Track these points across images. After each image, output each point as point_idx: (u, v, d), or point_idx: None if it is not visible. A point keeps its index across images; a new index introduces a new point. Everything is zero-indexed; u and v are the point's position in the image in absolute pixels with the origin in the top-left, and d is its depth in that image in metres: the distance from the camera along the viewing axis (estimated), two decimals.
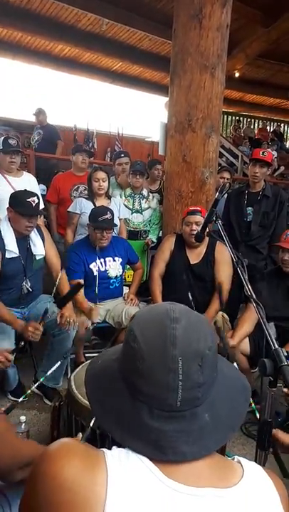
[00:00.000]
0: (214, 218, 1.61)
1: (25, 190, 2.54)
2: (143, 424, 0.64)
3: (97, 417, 0.71)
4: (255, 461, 1.22)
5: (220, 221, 1.61)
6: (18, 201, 2.43)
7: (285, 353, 1.02)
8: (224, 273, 2.76)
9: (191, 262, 2.85)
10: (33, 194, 2.48)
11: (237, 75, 9.94)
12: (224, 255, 2.77)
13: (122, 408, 0.67)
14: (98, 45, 8.55)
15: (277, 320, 2.49)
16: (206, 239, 2.84)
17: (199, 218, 2.73)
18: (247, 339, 2.48)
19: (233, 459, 0.72)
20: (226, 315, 2.85)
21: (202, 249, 2.86)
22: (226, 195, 3.60)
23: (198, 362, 0.64)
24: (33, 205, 2.43)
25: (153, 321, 0.68)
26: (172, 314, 0.68)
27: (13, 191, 2.63)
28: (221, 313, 2.82)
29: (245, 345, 2.48)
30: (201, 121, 3.21)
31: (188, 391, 0.64)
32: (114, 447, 0.66)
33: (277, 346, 1.02)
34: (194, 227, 2.74)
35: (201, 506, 0.60)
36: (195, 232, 2.67)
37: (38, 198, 2.51)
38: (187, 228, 2.79)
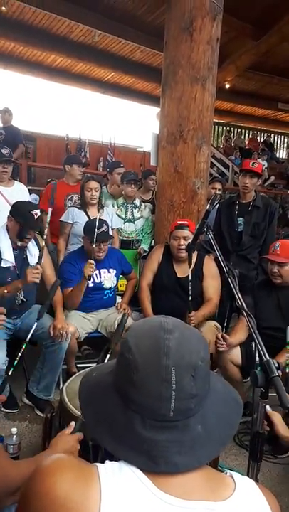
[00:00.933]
0: (205, 229, 1.63)
1: (29, 201, 2.55)
2: (136, 434, 0.65)
3: (90, 428, 0.71)
4: (248, 472, 1.23)
5: (211, 232, 1.62)
6: (21, 212, 2.42)
7: (276, 364, 1.03)
8: (214, 288, 2.77)
9: (178, 276, 2.85)
10: (36, 207, 2.50)
11: (227, 86, 10.06)
12: (212, 270, 2.78)
13: (115, 419, 0.68)
14: (90, 55, 8.63)
15: (268, 330, 2.50)
16: (195, 254, 2.84)
17: (187, 233, 2.69)
18: (239, 350, 2.49)
19: (226, 473, 0.72)
20: (218, 324, 2.86)
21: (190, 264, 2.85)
22: (217, 206, 3.64)
23: (191, 373, 0.65)
24: (35, 217, 2.43)
25: (147, 333, 0.70)
26: (166, 326, 0.69)
27: (9, 201, 2.63)
28: (213, 322, 2.83)
29: (237, 356, 2.48)
30: (192, 132, 3.25)
31: (181, 401, 0.64)
32: (107, 461, 0.66)
33: (268, 357, 1.03)
34: (182, 241, 2.70)
35: None
36: (183, 247, 2.67)
37: (41, 212, 2.52)
38: (175, 243, 2.77)
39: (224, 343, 2.36)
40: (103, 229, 2.78)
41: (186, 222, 2.76)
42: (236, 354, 2.48)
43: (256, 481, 1.08)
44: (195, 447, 0.65)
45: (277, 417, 1.36)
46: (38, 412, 2.64)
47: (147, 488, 0.62)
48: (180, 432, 0.65)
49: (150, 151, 3.75)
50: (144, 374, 0.65)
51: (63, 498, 0.59)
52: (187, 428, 0.65)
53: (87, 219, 3.25)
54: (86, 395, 0.75)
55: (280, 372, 1.03)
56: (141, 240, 3.86)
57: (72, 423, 1.22)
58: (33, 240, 2.57)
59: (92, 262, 2.64)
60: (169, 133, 3.31)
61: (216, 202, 1.63)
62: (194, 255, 2.85)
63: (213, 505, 0.62)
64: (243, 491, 0.67)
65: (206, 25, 3.13)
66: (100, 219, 2.89)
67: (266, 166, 11.71)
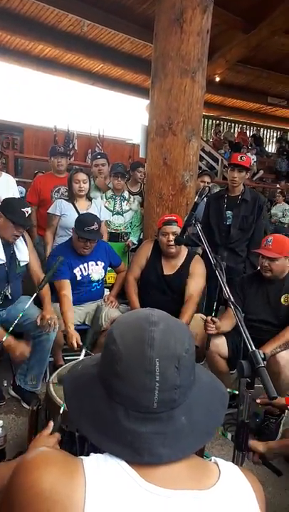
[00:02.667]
0: (193, 222, 1.63)
1: (20, 199, 2.51)
2: (119, 426, 0.65)
3: (75, 420, 0.71)
4: (233, 462, 1.24)
5: (199, 224, 1.62)
6: (12, 208, 2.38)
7: (262, 355, 1.04)
8: (197, 285, 2.77)
9: (165, 273, 2.85)
10: (27, 205, 2.48)
11: (217, 79, 10.06)
12: (199, 269, 2.78)
13: (99, 410, 0.67)
14: (79, 46, 8.53)
15: (256, 322, 2.53)
16: (184, 251, 2.85)
17: (176, 228, 2.68)
18: (225, 342, 2.51)
19: (210, 459, 0.73)
20: (204, 317, 2.87)
21: (178, 260, 2.84)
22: (205, 199, 3.65)
23: (175, 364, 0.65)
24: (26, 215, 2.40)
25: (132, 325, 0.70)
26: (151, 318, 0.69)
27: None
28: (199, 315, 2.84)
29: (224, 348, 2.50)
30: (181, 124, 3.23)
31: (165, 392, 0.65)
32: (92, 453, 0.66)
33: (254, 348, 1.03)
34: (171, 237, 2.69)
35: (178, 508, 0.60)
36: (172, 243, 2.67)
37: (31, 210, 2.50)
38: (164, 238, 2.76)
39: (214, 326, 2.36)
40: (93, 227, 2.75)
41: (174, 218, 2.75)
42: (223, 346, 2.50)
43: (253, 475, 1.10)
44: (179, 438, 0.65)
45: (260, 447, 1.40)
46: (25, 405, 2.63)
47: (132, 478, 0.62)
48: (164, 424, 0.65)
49: (139, 143, 3.73)
50: (128, 365, 0.65)
51: (48, 491, 0.59)
52: (171, 419, 0.66)
53: (75, 211, 3.23)
54: (70, 387, 0.75)
55: (265, 362, 1.05)
56: (129, 232, 3.85)
57: (51, 424, 1.21)
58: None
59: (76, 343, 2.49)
60: (158, 125, 3.29)
61: (204, 194, 1.63)
62: (184, 252, 2.86)
63: (198, 494, 0.63)
64: (227, 477, 0.68)
65: (197, 17, 3.11)
66: (92, 215, 2.87)
67: (255, 160, 11.77)
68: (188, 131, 3.27)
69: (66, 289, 2.73)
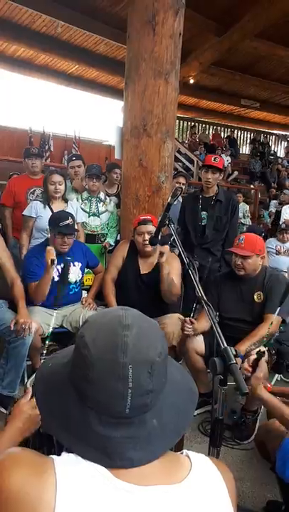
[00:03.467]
0: (167, 222, 1.65)
1: None
2: (91, 431, 0.64)
3: (46, 422, 0.70)
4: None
5: (173, 225, 1.64)
6: None
7: (234, 352, 1.06)
8: (175, 279, 2.79)
9: (142, 272, 2.86)
10: None
11: (192, 81, 10.16)
12: (174, 266, 2.80)
13: (70, 414, 0.67)
14: (53, 47, 8.47)
15: (231, 321, 2.57)
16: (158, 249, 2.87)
17: (151, 228, 2.70)
18: (202, 340, 2.54)
19: (182, 453, 0.74)
20: (182, 317, 2.90)
21: (154, 259, 2.85)
22: (181, 200, 3.68)
23: (148, 369, 0.65)
24: None
25: (104, 328, 0.68)
26: (124, 321, 0.68)
27: None
28: (177, 315, 2.87)
29: (201, 346, 2.53)
30: (156, 126, 3.26)
31: (138, 398, 0.64)
32: (63, 452, 0.66)
33: (226, 345, 1.05)
34: (146, 236, 2.71)
35: (151, 504, 0.61)
36: (147, 242, 2.69)
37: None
38: (139, 238, 2.78)
39: (191, 326, 2.39)
40: (68, 222, 2.75)
41: (149, 217, 2.77)
42: (200, 344, 2.53)
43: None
44: (150, 441, 0.66)
45: (264, 366, 1.39)
46: (2, 409, 2.59)
47: (104, 477, 0.62)
48: (136, 428, 0.65)
49: (115, 145, 3.73)
50: (100, 371, 0.64)
51: (17, 492, 0.58)
52: (143, 423, 0.66)
53: (50, 213, 3.21)
54: (41, 389, 0.73)
55: (239, 359, 1.07)
56: (106, 234, 3.85)
57: (29, 389, 1.16)
58: None
59: (52, 248, 2.63)
60: (133, 126, 3.30)
61: (177, 195, 1.66)
62: (158, 250, 2.87)
63: (168, 488, 0.64)
64: (198, 470, 0.69)
65: (169, 20, 3.14)
66: (65, 211, 2.86)
67: (229, 161, 11.94)
68: (162, 133, 3.29)
69: None
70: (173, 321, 2.75)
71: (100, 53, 9.13)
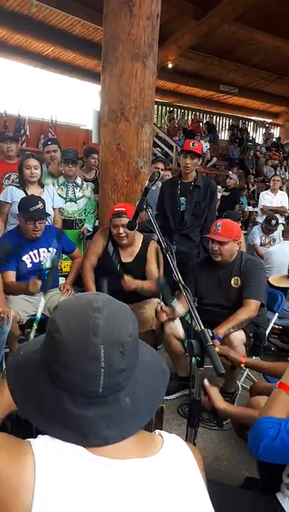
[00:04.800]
0: (145, 207, 1.64)
1: None
2: (65, 412, 0.66)
3: (19, 407, 0.71)
4: (186, 438, 1.29)
5: (150, 209, 1.63)
6: None
7: (211, 334, 1.07)
8: (156, 269, 2.81)
9: (123, 260, 2.85)
10: None
11: (170, 65, 10.07)
12: (155, 254, 2.81)
13: (43, 397, 0.68)
14: (28, 27, 8.24)
15: (209, 306, 2.60)
16: (139, 238, 2.86)
17: (125, 220, 2.65)
18: (180, 324, 2.56)
19: (155, 432, 0.76)
20: (161, 301, 2.92)
21: (135, 247, 2.85)
22: (159, 185, 3.67)
23: (119, 349, 0.67)
24: None
25: (76, 312, 0.70)
26: (95, 304, 0.69)
27: None
28: (156, 300, 2.88)
29: (179, 330, 2.56)
30: (133, 110, 3.21)
31: (111, 377, 0.66)
32: (39, 435, 0.67)
33: (203, 328, 1.06)
34: (121, 230, 2.70)
35: (126, 476, 0.64)
36: (123, 235, 2.69)
37: None
38: (114, 231, 2.76)
39: (163, 314, 2.44)
40: (38, 206, 2.70)
41: (124, 209, 2.72)
42: (178, 328, 2.56)
43: (194, 445, 1.14)
44: (124, 419, 0.68)
45: (214, 391, 1.44)
46: None
47: (81, 454, 0.64)
48: (109, 407, 0.67)
49: (92, 129, 3.68)
50: (72, 353, 0.65)
51: None
52: (116, 402, 0.68)
53: None
54: (14, 374, 0.74)
55: (218, 342, 1.08)
56: (84, 219, 3.80)
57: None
58: None
59: (38, 282, 2.59)
60: (110, 110, 3.25)
61: (154, 179, 1.65)
62: (140, 239, 2.87)
63: (143, 461, 0.67)
64: (169, 445, 0.72)
65: (146, 1, 3.08)
66: (35, 196, 2.81)
67: (208, 147, 11.95)
68: (140, 117, 3.25)
69: (12, 280, 2.71)
70: (152, 306, 2.76)
71: (77, 35, 8.92)
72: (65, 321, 0.68)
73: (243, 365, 1.98)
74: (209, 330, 1.07)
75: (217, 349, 1.59)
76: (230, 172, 8.83)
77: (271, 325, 2.87)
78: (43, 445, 0.64)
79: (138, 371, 0.72)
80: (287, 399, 1.08)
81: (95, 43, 8.78)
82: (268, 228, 5.03)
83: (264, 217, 6.23)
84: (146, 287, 2.73)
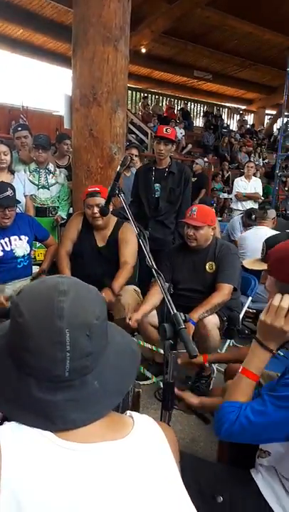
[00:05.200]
0: (117, 192, 1.62)
1: None
2: (31, 397, 0.65)
3: None
4: (160, 420, 1.31)
5: (123, 194, 1.62)
6: None
7: (183, 317, 1.08)
8: (129, 252, 2.75)
9: (99, 245, 2.83)
10: None
11: (144, 50, 9.95)
12: (127, 234, 2.77)
13: (9, 383, 0.67)
14: None
15: (185, 291, 2.62)
16: (113, 221, 2.83)
17: (100, 200, 2.63)
18: (155, 311, 2.57)
19: (126, 414, 0.76)
20: (137, 288, 2.92)
21: (108, 231, 2.82)
22: (134, 171, 3.65)
23: (86, 332, 0.66)
24: None
25: (40, 295, 0.68)
26: (61, 287, 0.68)
27: None
28: (132, 287, 2.88)
29: (154, 317, 2.57)
30: (106, 95, 3.16)
31: (77, 361, 0.65)
32: (5, 421, 0.66)
33: (175, 311, 1.07)
34: (95, 209, 2.65)
35: (96, 460, 0.63)
36: (97, 215, 2.64)
37: None
38: (89, 211, 2.71)
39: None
40: (8, 193, 2.63)
41: (98, 189, 2.70)
42: (153, 315, 2.57)
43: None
44: (92, 402, 0.67)
45: (185, 394, 1.49)
46: None
47: (48, 439, 0.63)
48: (77, 390, 0.66)
49: (64, 115, 3.60)
50: (37, 338, 0.64)
51: None
52: (84, 385, 0.67)
53: None
54: None
55: (188, 324, 1.10)
56: (58, 207, 3.74)
57: None
58: None
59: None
60: (82, 95, 3.19)
61: (126, 164, 1.63)
62: (112, 222, 2.85)
63: (113, 444, 0.66)
64: (140, 426, 0.72)
65: None
66: (4, 182, 2.73)
67: (183, 134, 11.93)
68: (113, 102, 3.21)
69: None
70: (128, 292, 2.76)
71: (47, 17, 8.68)
72: (28, 305, 0.66)
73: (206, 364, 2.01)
74: (182, 313, 1.08)
75: (180, 360, 1.62)
76: (198, 159, 8.81)
77: (245, 308, 2.93)
78: (9, 432, 0.63)
79: (108, 353, 0.71)
80: (248, 383, 1.11)
81: (66, 25, 8.56)
82: (248, 222, 5.00)
83: (238, 203, 6.32)
84: (123, 280, 2.67)
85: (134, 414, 0.75)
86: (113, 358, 0.72)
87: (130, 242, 2.74)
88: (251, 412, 1.02)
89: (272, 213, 3.73)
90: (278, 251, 1.13)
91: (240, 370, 1.13)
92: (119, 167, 1.60)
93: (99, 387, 0.68)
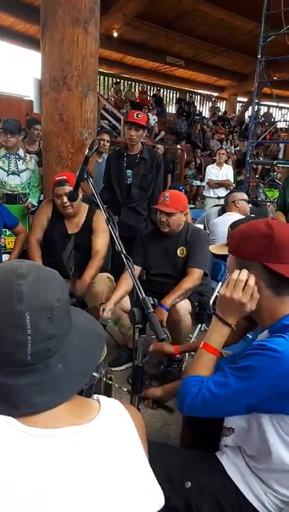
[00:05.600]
0: (86, 176, 1.60)
1: None
2: None
3: None
4: (130, 403, 1.32)
5: (91, 179, 1.60)
6: None
7: (152, 301, 1.09)
8: (102, 241, 2.74)
9: (70, 232, 2.80)
10: None
11: (115, 34, 9.79)
12: (100, 224, 2.76)
13: None
14: None
15: (157, 277, 2.63)
16: (84, 208, 2.80)
17: (68, 188, 2.56)
18: (128, 297, 2.58)
19: (93, 397, 0.76)
20: (110, 275, 2.91)
21: (80, 218, 2.79)
22: (106, 157, 3.61)
23: (47, 315, 0.65)
24: None
25: None
26: (19, 270, 0.67)
27: None
28: (106, 274, 2.87)
29: (126, 302, 2.58)
30: (76, 78, 3.10)
31: (39, 344, 0.64)
32: None
33: (144, 296, 1.08)
34: (64, 199, 2.61)
35: (60, 445, 0.63)
36: (67, 204, 2.61)
37: None
38: (58, 201, 2.67)
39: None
40: None
41: (65, 177, 2.65)
42: (126, 301, 2.58)
43: (138, 410, 1.17)
44: (57, 385, 0.67)
45: (148, 392, 1.53)
46: None
47: (11, 426, 0.62)
48: (40, 374, 0.66)
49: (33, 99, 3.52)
50: None
51: None
52: (47, 369, 0.66)
53: None
54: None
55: (157, 308, 1.11)
56: (28, 194, 3.67)
57: None
58: None
59: None
60: (52, 78, 3.11)
61: (94, 148, 1.61)
62: (85, 209, 2.81)
63: (78, 429, 0.66)
64: (107, 410, 0.72)
65: None
66: None
67: (156, 120, 11.87)
68: (83, 86, 3.15)
69: None
70: (101, 280, 2.75)
71: None
72: None
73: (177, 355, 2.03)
74: (151, 298, 1.08)
75: (151, 348, 1.66)
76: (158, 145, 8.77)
77: (215, 294, 2.98)
78: None
79: (71, 335, 0.71)
80: (209, 358, 1.14)
81: (36, 6, 8.28)
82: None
83: (210, 191, 6.38)
84: (95, 271, 2.65)
85: (102, 397, 0.75)
86: (77, 339, 0.72)
87: (103, 231, 2.72)
88: (213, 384, 1.04)
89: (233, 197, 3.67)
90: (238, 231, 1.15)
91: (201, 346, 1.16)
92: (87, 151, 1.58)
93: (63, 370, 0.67)
